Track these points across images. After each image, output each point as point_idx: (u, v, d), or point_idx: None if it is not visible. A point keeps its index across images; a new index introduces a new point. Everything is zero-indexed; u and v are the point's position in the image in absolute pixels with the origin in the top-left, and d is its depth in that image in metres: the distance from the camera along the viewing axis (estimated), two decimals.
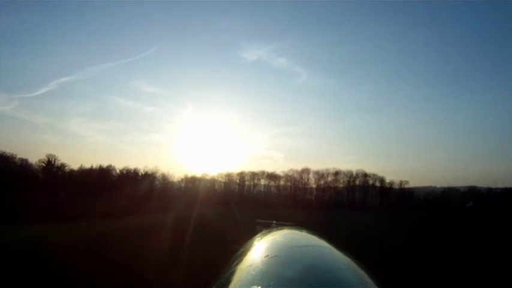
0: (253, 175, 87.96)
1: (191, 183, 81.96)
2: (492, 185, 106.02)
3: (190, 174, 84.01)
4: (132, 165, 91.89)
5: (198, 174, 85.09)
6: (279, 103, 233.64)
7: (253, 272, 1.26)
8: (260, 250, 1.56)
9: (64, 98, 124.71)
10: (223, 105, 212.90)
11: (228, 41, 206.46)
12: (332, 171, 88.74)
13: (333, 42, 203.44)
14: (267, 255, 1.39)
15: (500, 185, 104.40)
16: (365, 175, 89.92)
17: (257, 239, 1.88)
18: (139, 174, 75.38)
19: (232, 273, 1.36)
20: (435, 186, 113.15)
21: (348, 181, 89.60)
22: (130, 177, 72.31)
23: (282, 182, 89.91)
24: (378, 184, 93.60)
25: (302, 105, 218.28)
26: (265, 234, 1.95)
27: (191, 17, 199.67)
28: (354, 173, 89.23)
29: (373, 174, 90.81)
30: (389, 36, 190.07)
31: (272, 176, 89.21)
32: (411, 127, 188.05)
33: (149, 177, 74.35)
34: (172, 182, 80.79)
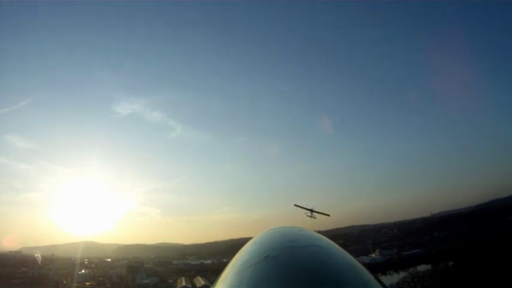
0: None
1: None
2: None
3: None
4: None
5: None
6: (153, 158, 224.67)
7: (254, 272, 1.28)
8: (260, 250, 1.55)
9: None
10: (97, 162, 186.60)
11: (103, 94, 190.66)
12: None
13: (206, 96, 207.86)
14: (267, 256, 1.40)
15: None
16: None
17: (257, 239, 1.83)
18: None
19: (232, 274, 1.38)
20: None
21: None
22: None
23: None
24: None
25: (177, 159, 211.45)
26: (266, 234, 1.88)
27: (66, 68, 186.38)
28: None
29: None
30: (260, 90, 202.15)
31: None
32: (290, 175, 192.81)
33: None
34: None
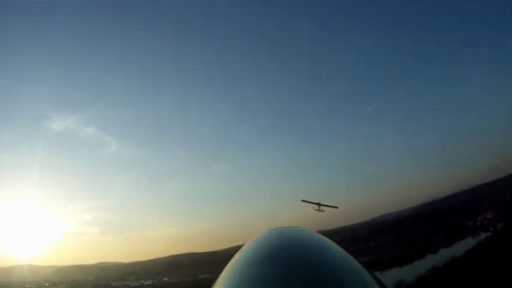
0: None
1: None
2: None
3: None
4: None
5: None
6: (89, 175, 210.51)
7: (254, 272, 1.29)
8: (260, 250, 1.55)
9: None
10: (32, 182, 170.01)
11: (35, 111, 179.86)
12: None
13: (138, 109, 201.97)
14: (267, 256, 1.41)
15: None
16: None
17: (257, 239, 1.83)
18: None
19: (232, 274, 1.38)
20: None
21: None
22: None
23: None
24: None
25: (113, 176, 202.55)
26: (265, 234, 1.88)
27: None
28: None
29: None
30: (194, 102, 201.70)
31: None
32: (228, 186, 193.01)
33: None
34: None
